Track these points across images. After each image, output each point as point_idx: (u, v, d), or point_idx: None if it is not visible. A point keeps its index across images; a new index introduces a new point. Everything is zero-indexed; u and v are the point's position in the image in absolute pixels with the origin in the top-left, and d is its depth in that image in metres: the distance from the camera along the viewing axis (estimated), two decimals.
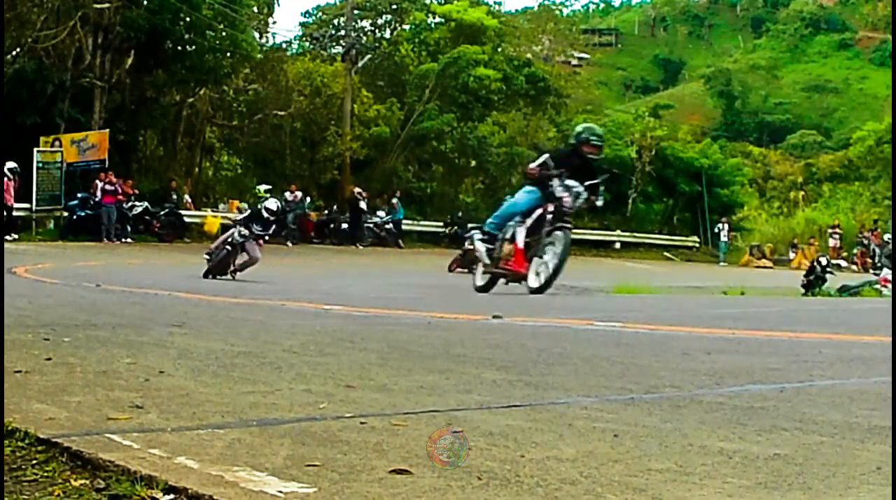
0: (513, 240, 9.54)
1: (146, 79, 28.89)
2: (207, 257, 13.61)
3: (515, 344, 4.82)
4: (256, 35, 32.55)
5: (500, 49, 36.97)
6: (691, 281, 18.13)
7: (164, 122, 31.30)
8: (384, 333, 5.34)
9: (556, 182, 9.37)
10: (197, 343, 4.46)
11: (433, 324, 6.07)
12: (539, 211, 9.46)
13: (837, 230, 35.72)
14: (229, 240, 13.38)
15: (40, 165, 24.90)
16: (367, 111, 33.31)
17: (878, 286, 14.80)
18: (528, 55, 40.29)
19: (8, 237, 22.69)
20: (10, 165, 23.39)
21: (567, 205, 9.38)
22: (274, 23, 41.93)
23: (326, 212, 32.09)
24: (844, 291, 14.20)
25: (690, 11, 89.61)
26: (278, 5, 36.55)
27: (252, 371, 3.47)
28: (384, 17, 38.23)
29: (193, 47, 28.47)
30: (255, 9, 31.98)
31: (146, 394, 2.86)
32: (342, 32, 36.93)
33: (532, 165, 9.88)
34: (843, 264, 31.22)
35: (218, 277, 13.08)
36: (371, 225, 31.06)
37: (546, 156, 9.82)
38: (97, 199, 24.78)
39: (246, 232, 13.31)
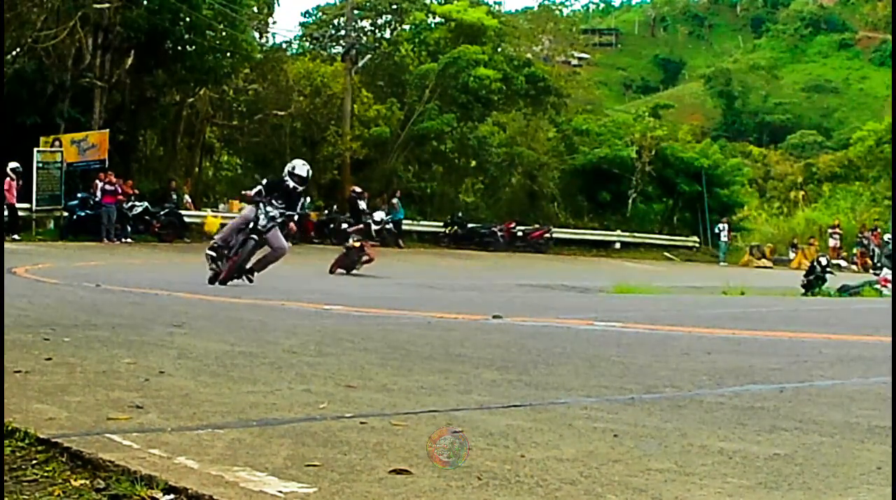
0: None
1: (146, 79, 28.87)
2: (213, 253, 10.78)
3: (515, 344, 4.82)
4: (256, 35, 32.56)
5: (500, 49, 36.95)
6: (691, 281, 18.13)
7: (164, 122, 31.28)
8: (384, 333, 5.34)
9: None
10: (197, 343, 4.46)
11: (433, 324, 6.07)
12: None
13: (837, 230, 35.69)
14: (251, 226, 10.61)
15: (40, 165, 24.88)
16: (367, 111, 33.30)
17: (878, 286, 14.79)
18: (528, 55, 40.24)
19: (16, 237, 22.71)
20: (13, 165, 23.39)
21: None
22: (274, 23, 41.96)
23: (326, 212, 32.08)
24: (844, 291, 14.18)
25: (690, 11, 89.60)
26: (278, 5, 36.60)
27: (252, 371, 3.47)
28: (384, 17, 38.21)
29: (193, 47, 28.45)
30: (255, 9, 31.97)
31: (146, 394, 2.86)
32: (342, 32, 36.92)
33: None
34: (843, 263, 31.21)
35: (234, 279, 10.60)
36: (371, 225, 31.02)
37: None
38: (97, 199, 24.75)
39: (274, 213, 10.64)
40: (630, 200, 37.33)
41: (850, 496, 1.78)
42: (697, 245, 37.37)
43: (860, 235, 35.04)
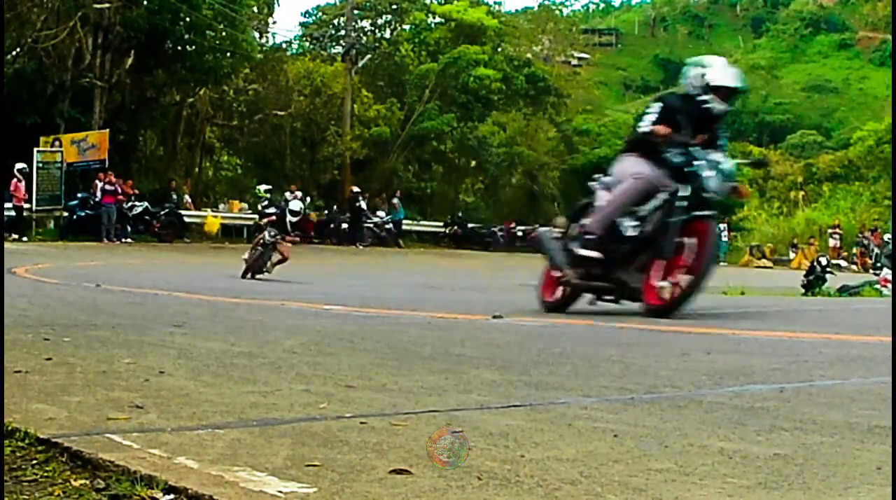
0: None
1: (146, 79, 28.88)
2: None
3: (515, 344, 4.82)
4: (256, 35, 32.59)
5: (500, 49, 36.97)
6: None
7: (164, 122, 31.30)
8: (384, 333, 5.34)
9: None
10: (197, 343, 4.46)
11: (433, 324, 6.07)
12: None
13: (837, 230, 35.68)
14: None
15: (40, 165, 24.89)
16: (367, 111, 33.32)
17: (878, 286, 14.76)
18: (528, 55, 40.27)
19: (24, 239, 22.72)
20: (20, 166, 23.43)
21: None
22: (274, 23, 41.97)
23: (326, 212, 32.09)
24: (844, 291, 14.15)
25: (690, 11, 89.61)
26: (278, 5, 36.62)
27: (252, 371, 3.47)
28: (384, 17, 38.25)
29: (193, 47, 28.46)
30: (255, 9, 32.00)
31: (146, 394, 2.86)
32: (342, 32, 36.95)
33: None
34: (843, 263, 31.19)
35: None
36: (371, 225, 31.07)
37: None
38: (97, 199, 24.76)
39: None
40: None
41: (850, 496, 1.78)
42: None
43: (860, 235, 35.03)
